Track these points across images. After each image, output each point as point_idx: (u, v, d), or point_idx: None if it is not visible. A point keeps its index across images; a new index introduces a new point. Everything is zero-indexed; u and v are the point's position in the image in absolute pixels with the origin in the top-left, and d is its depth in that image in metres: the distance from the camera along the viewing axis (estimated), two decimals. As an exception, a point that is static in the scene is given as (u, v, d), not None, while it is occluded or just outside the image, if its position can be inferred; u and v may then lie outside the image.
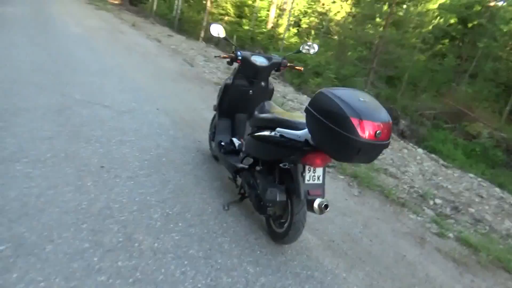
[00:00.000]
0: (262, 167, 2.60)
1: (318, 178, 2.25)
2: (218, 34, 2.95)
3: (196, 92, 5.92)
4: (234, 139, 3.12)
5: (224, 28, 3.04)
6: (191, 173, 3.14)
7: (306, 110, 2.01)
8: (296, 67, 3.22)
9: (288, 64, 3.12)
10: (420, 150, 6.59)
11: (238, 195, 2.81)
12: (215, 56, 3.33)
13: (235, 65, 3.05)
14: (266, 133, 2.41)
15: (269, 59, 3.04)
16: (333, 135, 1.84)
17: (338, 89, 1.98)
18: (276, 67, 3.06)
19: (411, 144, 7.20)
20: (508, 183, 7.39)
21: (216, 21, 16.53)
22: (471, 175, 6.03)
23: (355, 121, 1.76)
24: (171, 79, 6.29)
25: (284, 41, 15.87)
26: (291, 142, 2.19)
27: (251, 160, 2.70)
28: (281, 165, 2.32)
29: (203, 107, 5.11)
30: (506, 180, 7.65)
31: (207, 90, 6.14)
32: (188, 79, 6.64)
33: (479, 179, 5.91)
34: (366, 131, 1.76)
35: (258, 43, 15.72)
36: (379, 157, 5.05)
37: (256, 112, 2.71)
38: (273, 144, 2.31)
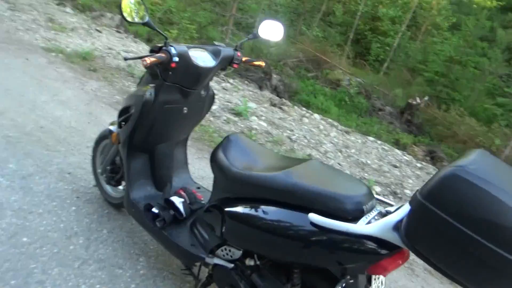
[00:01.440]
0: (261, 262, 1.57)
1: (382, 283, 1.44)
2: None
3: (20, 69, 3.79)
4: (174, 199, 1.88)
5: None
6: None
7: (417, 203, 1.08)
8: (255, 63, 2.02)
9: (244, 59, 1.95)
10: (317, 116, 5.96)
11: None
12: (126, 59, 1.82)
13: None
14: (294, 223, 1.36)
15: (216, 53, 1.85)
16: (481, 254, 0.99)
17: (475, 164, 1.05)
18: (225, 65, 1.90)
19: (296, 106, 6.54)
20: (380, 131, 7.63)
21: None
22: (371, 138, 5.73)
23: None
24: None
25: None
26: (358, 245, 1.25)
27: (238, 253, 1.60)
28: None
29: (46, 99, 3.21)
30: (378, 129, 7.92)
31: (38, 64, 4.03)
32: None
33: (379, 142, 5.65)
34: None
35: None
36: (294, 136, 4.37)
37: (229, 165, 1.59)
38: (316, 245, 1.33)
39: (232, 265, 1.62)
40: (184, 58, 1.69)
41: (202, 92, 1.90)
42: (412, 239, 1.10)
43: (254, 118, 4.64)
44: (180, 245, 1.73)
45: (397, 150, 5.54)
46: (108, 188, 2.27)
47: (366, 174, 4.09)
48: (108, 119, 3.01)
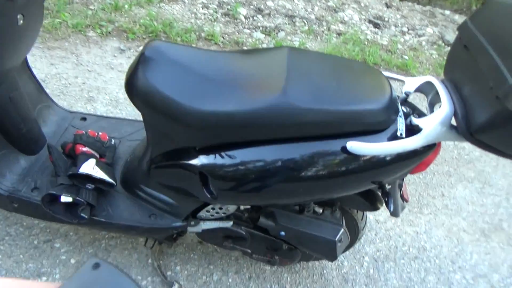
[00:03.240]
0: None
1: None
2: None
3: None
4: (85, 168, 1.29)
5: None
6: None
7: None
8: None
9: None
10: None
11: None
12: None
13: None
14: (315, 156, 1.03)
15: None
16: None
17: None
18: None
19: None
20: None
21: None
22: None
23: None
24: None
25: None
26: (403, 156, 1.04)
27: (233, 207, 1.29)
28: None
29: None
30: None
31: None
32: None
33: None
34: None
35: None
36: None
37: (182, 104, 1.06)
38: (351, 174, 1.05)
39: (230, 223, 1.26)
40: None
41: None
42: (479, 132, 0.92)
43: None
44: (134, 224, 1.25)
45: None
46: None
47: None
48: None
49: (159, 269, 1.57)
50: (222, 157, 1.07)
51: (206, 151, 1.09)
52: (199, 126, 1.01)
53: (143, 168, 1.27)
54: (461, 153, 2.59)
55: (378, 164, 1.02)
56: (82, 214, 1.24)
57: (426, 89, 1.11)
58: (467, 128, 0.92)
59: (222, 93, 1.01)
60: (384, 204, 1.24)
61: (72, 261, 1.57)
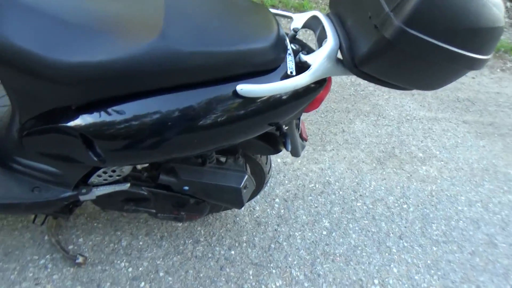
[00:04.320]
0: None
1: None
2: None
3: None
4: None
5: None
6: None
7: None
8: None
9: None
10: None
11: None
12: None
13: None
14: (202, 105, 0.99)
15: None
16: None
17: None
18: None
19: None
20: None
21: None
22: None
23: None
24: None
25: None
26: (296, 94, 1.04)
27: (128, 167, 1.19)
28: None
29: None
30: None
31: None
32: None
33: None
34: None
35: None
36: None
37: (41, 55, 0.88)
38: (243, 120, 1.03)
39: (127, 184, 1.18)
40: None
41: None
42: (362, 63, 0.94)
43: None
44: (14, 201, 1.11)
45: None
46: None
47: None
48: None
49: (59, 245, 1.44)
50: (106, 114, 0.95)
51: (85, 109, 0.95)
52: (67, 81, 0.86)
53: (13, 137, 1.09)
54: (357, 89, 2.74)
55: (272, 105, 0.99)
56: None
57: (313, 24, 1.08)
58: (352, 60, 0.92)
59: (90, 39, 0.86)
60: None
61: None
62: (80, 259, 1.42)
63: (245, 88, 0.91)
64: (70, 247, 1.48)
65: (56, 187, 1.15)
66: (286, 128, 1.18)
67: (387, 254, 1.79)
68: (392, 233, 1.88)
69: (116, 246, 1.53)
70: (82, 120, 0.95)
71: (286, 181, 1.98)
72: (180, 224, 1.65)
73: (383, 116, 2.58)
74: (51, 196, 1.15)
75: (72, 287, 1.39)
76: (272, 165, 2.00)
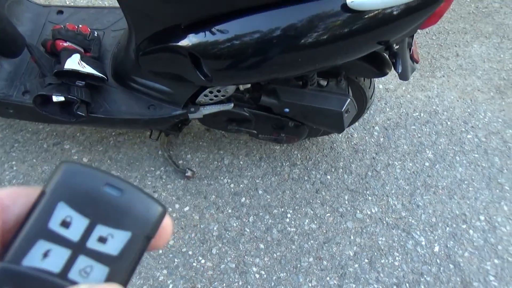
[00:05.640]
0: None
1: None
2: None
3: None
4: (70, 64, 1.21)
5: None
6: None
7: None
8: None
9: None
10: None
11: None
12: None
13: None
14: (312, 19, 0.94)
15: None
16: None
17: None
18: None
19: None
20: None
21: None
22: None
23: None
24: None
25: None
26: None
27: (232, 87, 1.21)
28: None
29: None
30: None
31: None
32: None
33: None
34: None
35: None
36: None
37: None
38: (358, 34, 0.95)
39: (231, 105, 1.22)
40: None
41: None
42: None
43: None
44: (134, 116, 1.22)
45: None
46: None
47: None
48: None
49: (170, 159, 1.60)
50: (211, 33, 0.97)
51: (193, 28, 0.98)
52: None
53: (131, 57, 1.18)
54: (478, 6, 2.36)
55: (384, 20, 0.91)
56: (78, 112, 1.21)
57: None
58: None
59: None
60: (392, 69, 1.16)
61: (85, 159, 1.60)
62: (189, 173, 1.56)
63: (356, 0, 0.84)
64: (180, 161, 1.64)
65: (168, 105, 1.24)
66: (397, 47, 1.08)
67: (497, 190, 1.65)
68: (507, 170, 1.70)
69: (219, 163, 1.65)
70: (190, 40, 0.98)
71: (388, 109, 1.87)
72: (278, 147, 1.70)
73: (509, 38, 2.22)
74: (164, 114, 1.25)
75: (183, 196, 1.56)
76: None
